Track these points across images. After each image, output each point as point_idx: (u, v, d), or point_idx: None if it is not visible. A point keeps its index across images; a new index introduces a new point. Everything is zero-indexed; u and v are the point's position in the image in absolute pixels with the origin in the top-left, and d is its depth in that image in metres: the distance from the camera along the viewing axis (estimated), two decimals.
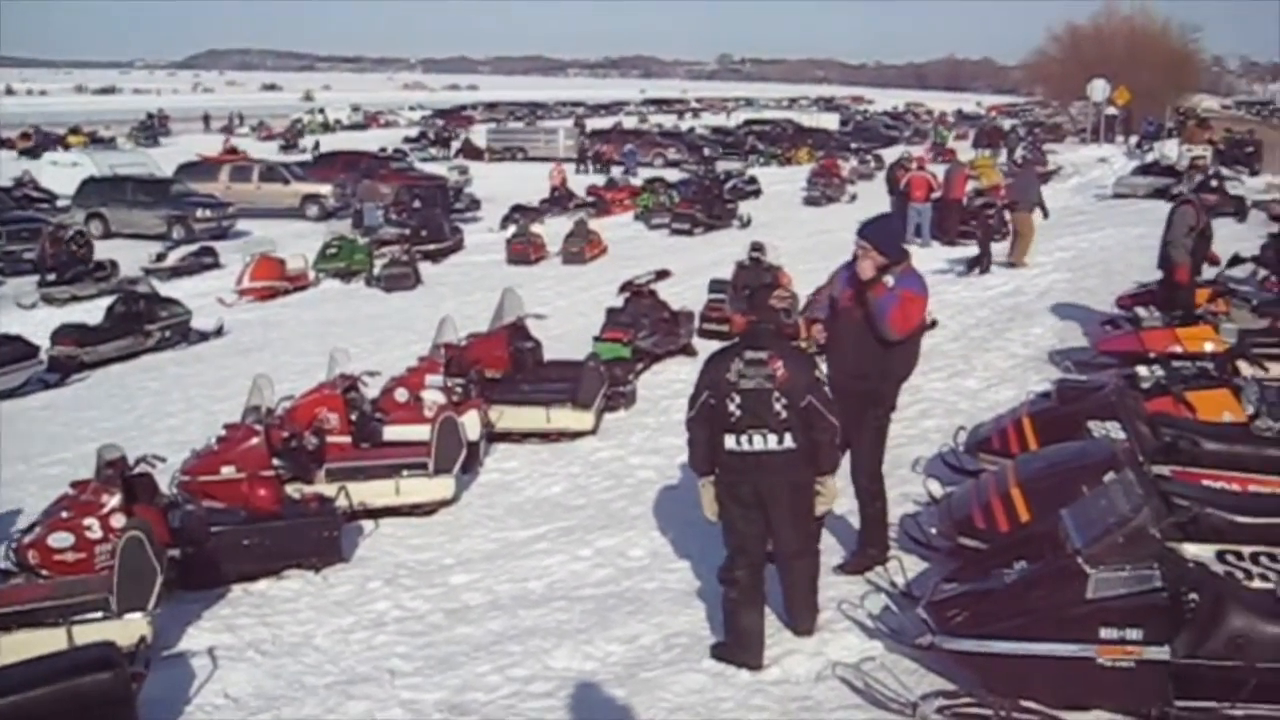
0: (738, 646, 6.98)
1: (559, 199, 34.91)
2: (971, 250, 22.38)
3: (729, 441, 6.68)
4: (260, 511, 9.33)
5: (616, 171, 45.09)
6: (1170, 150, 37.28)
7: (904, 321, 7.64)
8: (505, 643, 7.67)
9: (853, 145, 57.06)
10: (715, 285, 16.74)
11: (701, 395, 6.76)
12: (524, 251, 26.01)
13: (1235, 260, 14.63)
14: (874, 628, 7.15)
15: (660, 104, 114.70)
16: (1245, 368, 10.37)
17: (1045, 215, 22.11)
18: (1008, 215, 22.88)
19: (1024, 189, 21.63)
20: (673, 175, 39.43)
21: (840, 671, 6.72)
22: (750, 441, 6.63)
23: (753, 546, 6.88)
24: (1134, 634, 5.88)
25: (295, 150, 54.80)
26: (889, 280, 7.55)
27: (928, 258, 22.87)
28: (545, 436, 12.35)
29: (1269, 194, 23.34)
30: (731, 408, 6.63)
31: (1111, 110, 54.13)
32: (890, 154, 39.73)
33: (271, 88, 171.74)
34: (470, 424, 11.33)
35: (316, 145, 54.63)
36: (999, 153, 44.87)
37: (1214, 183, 15.02)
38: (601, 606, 8.16)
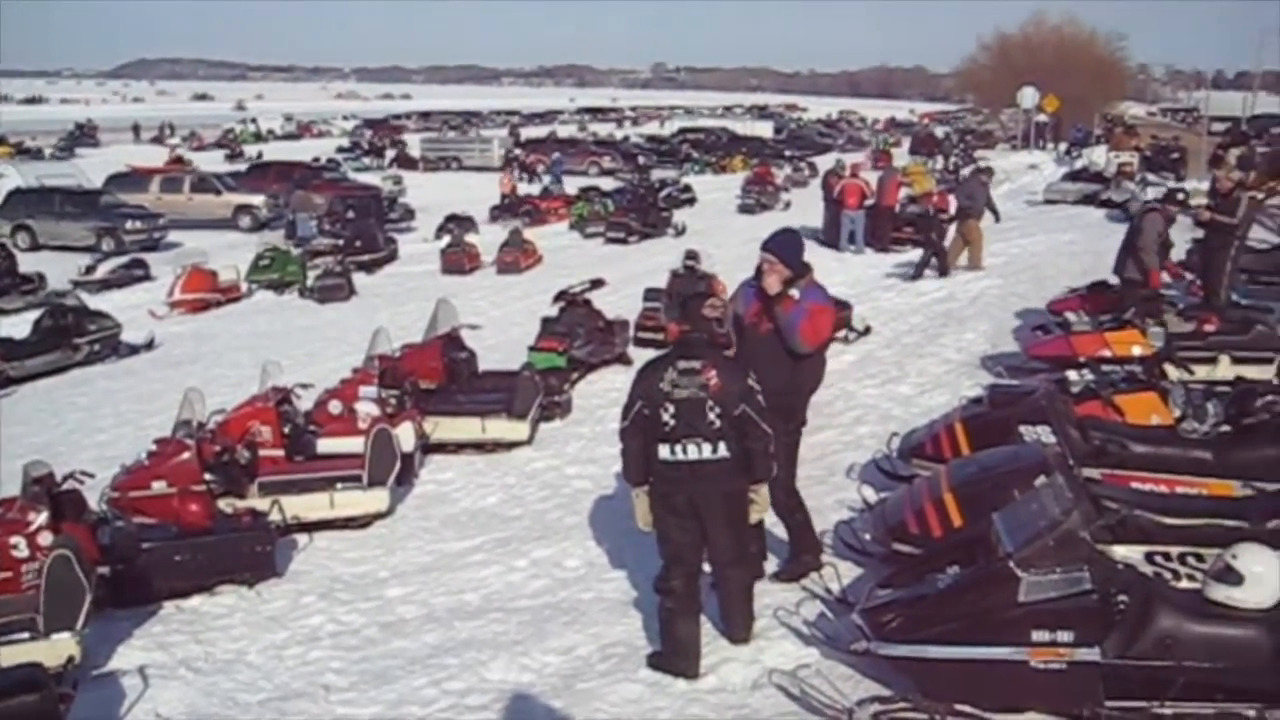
0: (674, 656, 6.98)
1: (509, 205, 34.87)
2: (906, 256, 22.59)
3: (663, 451, 6.68)
4: (192, 527, 9.21)
5: (548, 180, 45.14)
6: (1098, 157, 37.80)
7: (814, 334, 7.73)
8: (441, 656, 7.62)
9: (787, 153, 57.34)
10: (650, 294, 16.74)
11: (635, 405, 6.76)
12: (459, 261, 25.89)
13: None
14: (810, 634, 7.17)
15: (595, 112, 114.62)
16: (1172, 371, 10.54)
17: (997, 219, 22.39)
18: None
19: (972, 196, 21.82)
20: (608, 184, 39.43)
21: (776, 679, 6.74)
22: (685, 451, 6.64)
23: (688, 556, 6.88)
24: (1065, 636, 5.95)
25: (241, 160, 54.08)
26: (794, 293, 7.61)
27: (862, 264, 23.12)
28: (481, 447, 12.28)
29: (1195, 199, 23.64)
30: (665, 417, 6.63)
31: (1042, 117, 54.76)
32: (825, 161, 40.01)
33: (203, 97, 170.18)
34: (405, 435, 11.26)
35: (259, 155, 54.08)
36: (935, 159, 45.26)
37: (1180, 195, 15.15)
38: (538, 617, 8.13)
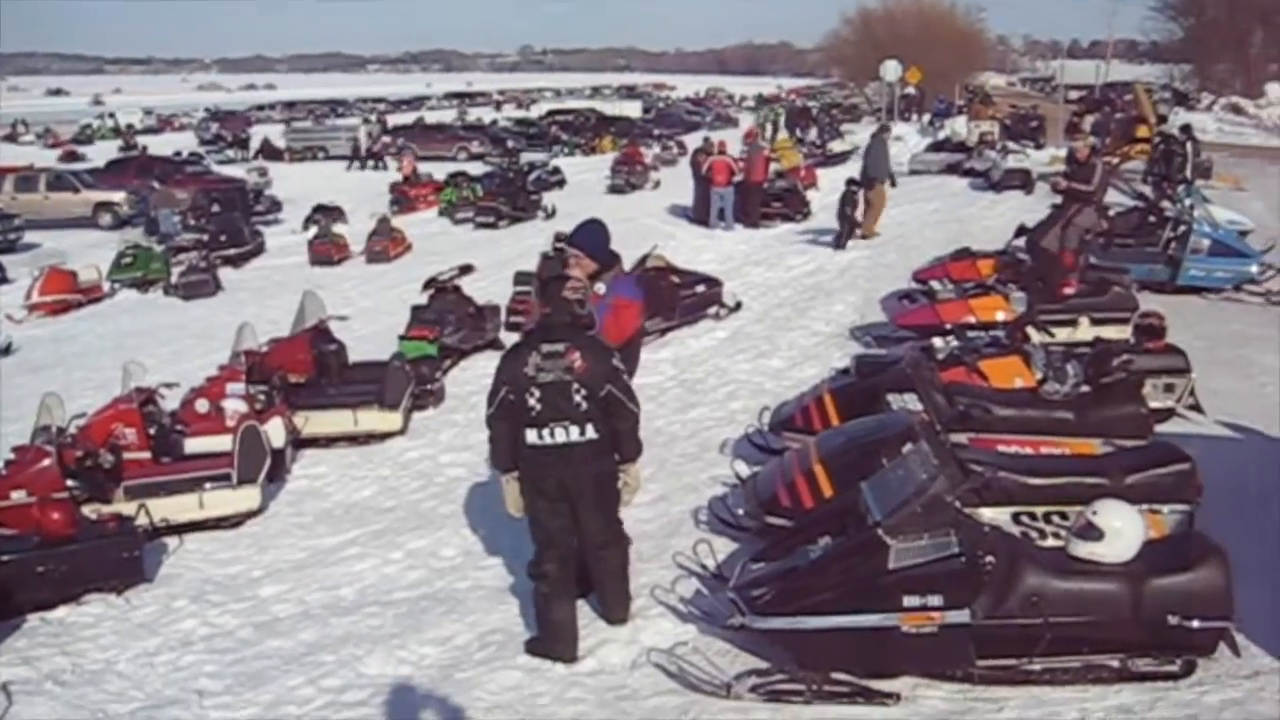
0: (552, 640, 6.97)
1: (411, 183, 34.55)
2: (776, 230, 22.82)
3: (530, 436, 6.65)
4: (55, 536, 8.91)
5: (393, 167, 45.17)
6: (960, 127, 38.39)
7: (618, 330, 7.77)
8: (318, 653, 7.50)
9: (656, 132, 57.24)
10: (520, 278, 16.64)
11: (500, 391, 6.71)
12: (327, 252, 25.51)
13: (1021, 231, 15.11)
14: (686, 612, 7.22)
15: (462, 97, 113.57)
16: (1034, 335, 10.75)
17: (893, 184, 22.68)
18: (810, 194, 23.37)
19: (877, 162, 22.03)
20: (476, 168, 39.15)
21: (655, 658, 6.77)
22: (552, 434, 6.62)
23: (560, 539, 6.86)
24: (935, 600, 6.07)
25: (134, 152, 52.23)
26: (600, 288, 7.59)
27: (732, 240, 23.24)
28: (353, 439, 12.12)
29: (1053, 166, 24.16)
30: (531, 402, 6.59)
31: (907, 90, 55.48)
32: (694, 140, 40.11)
33: (57, 92, 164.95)
34: (274, 431, 11.07)
35: (144, 149, 52.43)
36: (808, 133, 45.57)
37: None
38: (415, 609, 8.05)
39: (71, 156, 54.15)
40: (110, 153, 50.63)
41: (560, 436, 6.63)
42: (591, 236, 7.87)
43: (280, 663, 7.46)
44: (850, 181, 21.64)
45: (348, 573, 8.88)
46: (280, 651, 7.65)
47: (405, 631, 7.66)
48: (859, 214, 21.11)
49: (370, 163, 48.89)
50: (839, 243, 20.60)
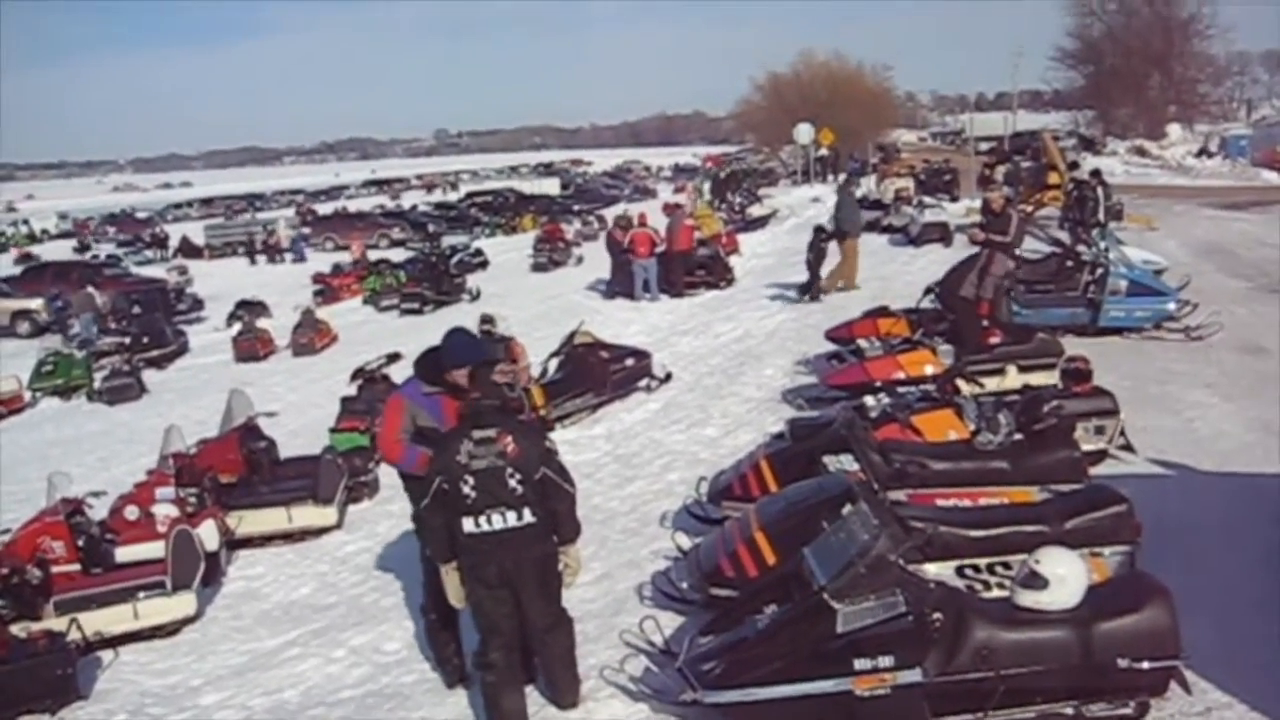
0: None
1: (365, 264, 34.52)
2: (701, 298, 22.92)
3: (467, 524, 6.54)
4: None
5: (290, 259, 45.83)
6: (875, 185, 38.90)
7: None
8: None
9: (575, 208, 57.61)
10: None
11: (434, 482, 6.59)
12: (251, 348, 25.27)
13: (929, 291, 15.23)
14: (637, 691, 7.11)
15: (381, 184, 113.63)
16: (964, 386, 10.82)
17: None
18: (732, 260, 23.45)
19: (849, 215, 22.22)
20: (398, 255, 39.09)
21: None
22: (489, 521, 6.52)
23: (504, 626, 6.75)
24: (886, 661, 6.05)
25: (31, 262, 51.41)
26: None
27: (658, 311, 23.30)
28: (289, 537, 11.93)
29: (968, 218, 24.53)
30: (466, 490, 6.50)
31: (823, 151, 56.17)
32: (614, 214, 40.36)
33: None
34: (208, 534, 10.87)
35: (88, 247, 51.53)
36: (734, 197, 45.97)
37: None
38: (361, 707, 7.88)
39: None
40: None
41: (498, 523, 6.53)
42: (469, 350, 7.50)
43: None
44: (818, 230, 21.80)
45: (290, 674, 8.68)
46: None
47: None
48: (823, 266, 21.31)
49: (276, 257, 48.69)
50: (810, 293, 20.74)
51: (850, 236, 21.91)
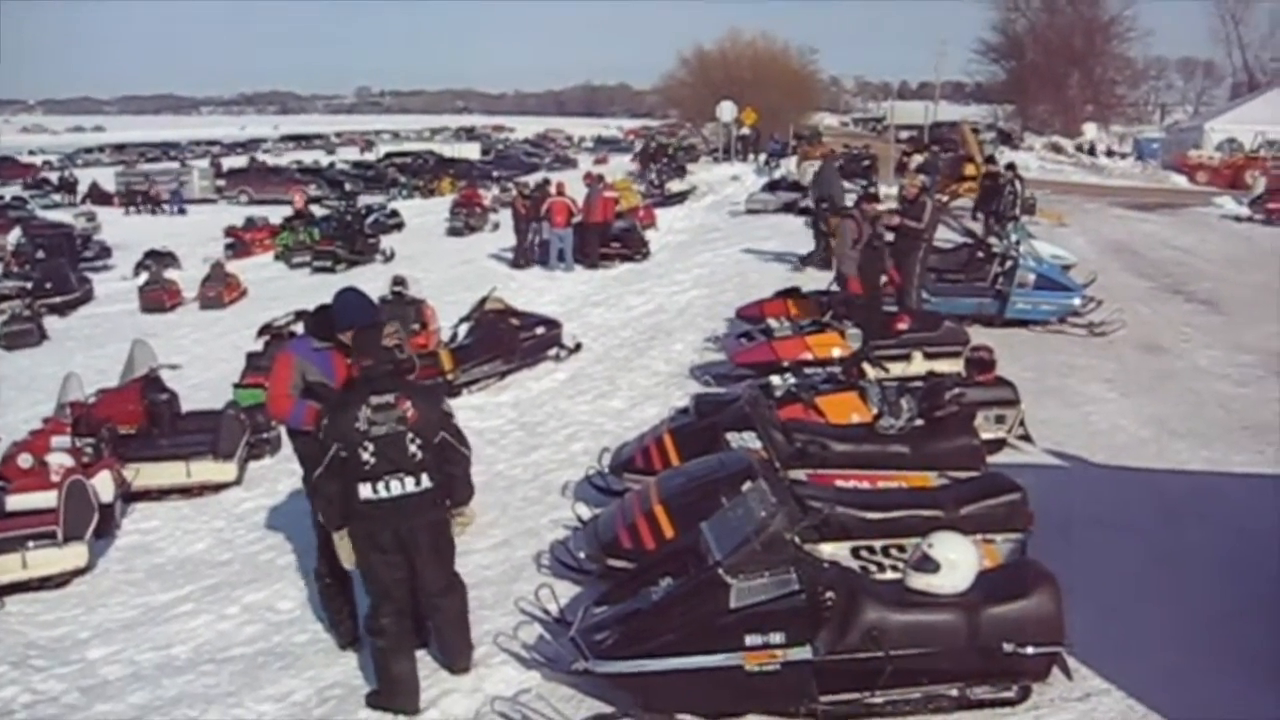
0: (393, 694, 6.80)
1: (302, 217, 33.75)
2: (616, 270, 22.93)
3: (364, 491, 6.47)
4: None
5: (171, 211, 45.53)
6: (794, 166, 39.05)
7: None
8: (149, 716, 7.20)
9: (495, 174, 57.32)
10: None
11: (330, 449, 6.49)
12: (158, 299, 24.87)
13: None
14: (530, 658, 7.12)
15: (299, 140, 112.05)
16: (869, 370, 10.92)
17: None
18: (649, 234, 23.38)
19: (838, 191, 22.21)
20: (314, 212, 38.65)
21: (499, 706, 6.66)
22: (387, 488, 6.46)
23: (397, 592, 6.71)
24: (777, 638, 6.09)
25: None
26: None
27: (572, 281, 23.26)
28: (186, 491, 11.74)
29: (885, 204, 24.72)
30: (365, 456, 6.41)
31: (744, 130, 56.26)
32: (533, 181, 40.18)
33: None
34: (103, 485, 10.66)
35: None
36: (662, 170, 46.00)
37: (871, 190, 15.47)
38: (251, 665, 7.80)
39: None
40: None
41: (396, 489, 6.48)
42: (360, 310, 7.27)
43: None
44: (819, 202, 21.76)
45: (181, 630, 8.55)
46: (109, 716, 7.33)
47: (241, 689, 7.41)
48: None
49: (155, 209, 47.95)
50: (811, 261, 20.88)
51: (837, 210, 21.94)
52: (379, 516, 6.53)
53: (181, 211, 45.29)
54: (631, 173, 45.56)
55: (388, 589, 6.69)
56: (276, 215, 35.69)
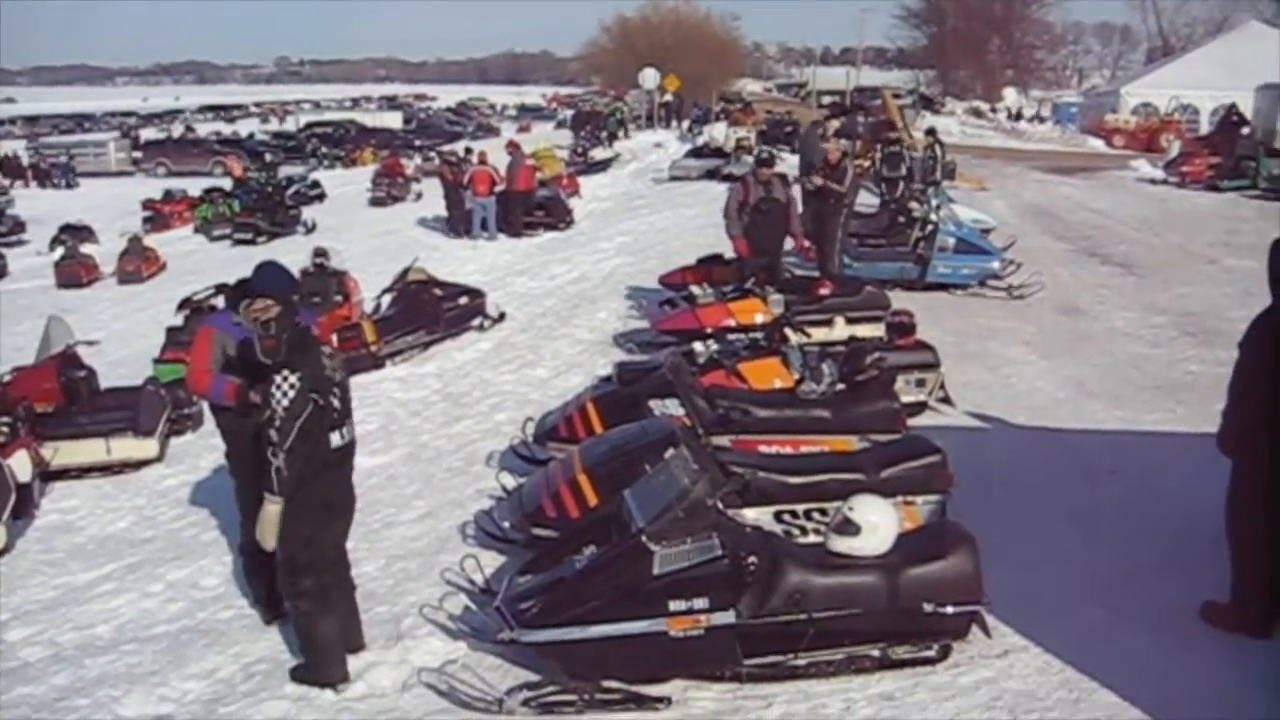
0: (319, 662, 6.76)
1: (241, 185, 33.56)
2: (539, 239, 22.91)
3: (335, 438, 6.42)
4: None
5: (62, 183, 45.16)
6: (718, 133, 39.07)
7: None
8: (71, 697, 7.12)
9: (417, 143, 56.92)
10: None
11: (310, 400, 6.28)
12: (74, 274, 24.54)
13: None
14: (456, 629, 7.12)
15: (218, 110, 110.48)
16: (791, 335, 10.99)
17: None
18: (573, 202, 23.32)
19: (814, 154, 22.16)
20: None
21: (425, 678, 6.65)
22: (344, 434, 6.47)
23: (330, 554, 6.67)
24: (701, 603, 6.14)
25: None
26: None
27: (495, 250, 23.21)
28: (107, 469, 11.59)
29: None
30: (335, 402, 6.39)
31: (668, 97, 56.23)
32: (457, 150, 39.92)
33: None
34: (19, 465, 10.49)
35: None
36: (598, 136, 45.85)
37: (764, 155, 15.38)
38: (175, 643, 7.72)
39: None
40: None
41: (348, 436, 6.52)
42: (277, 280, 7.06)
43: (30, 711, 7.05)
44: (809, 166, 21.68)
45: (103, 609, 8.45)
46: (29, 699, 7.22)
47: (166, 668, 7.34)
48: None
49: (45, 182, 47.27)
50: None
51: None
52: (339, 465, 6.53)
53: (70, 185, 44.33)
54: (568, 144, 45.28)
55: (323, 552, 6.62)
56: (196, 188, 35.21)
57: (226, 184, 36.40)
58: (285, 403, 6.19)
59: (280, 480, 6.30)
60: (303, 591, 6.64)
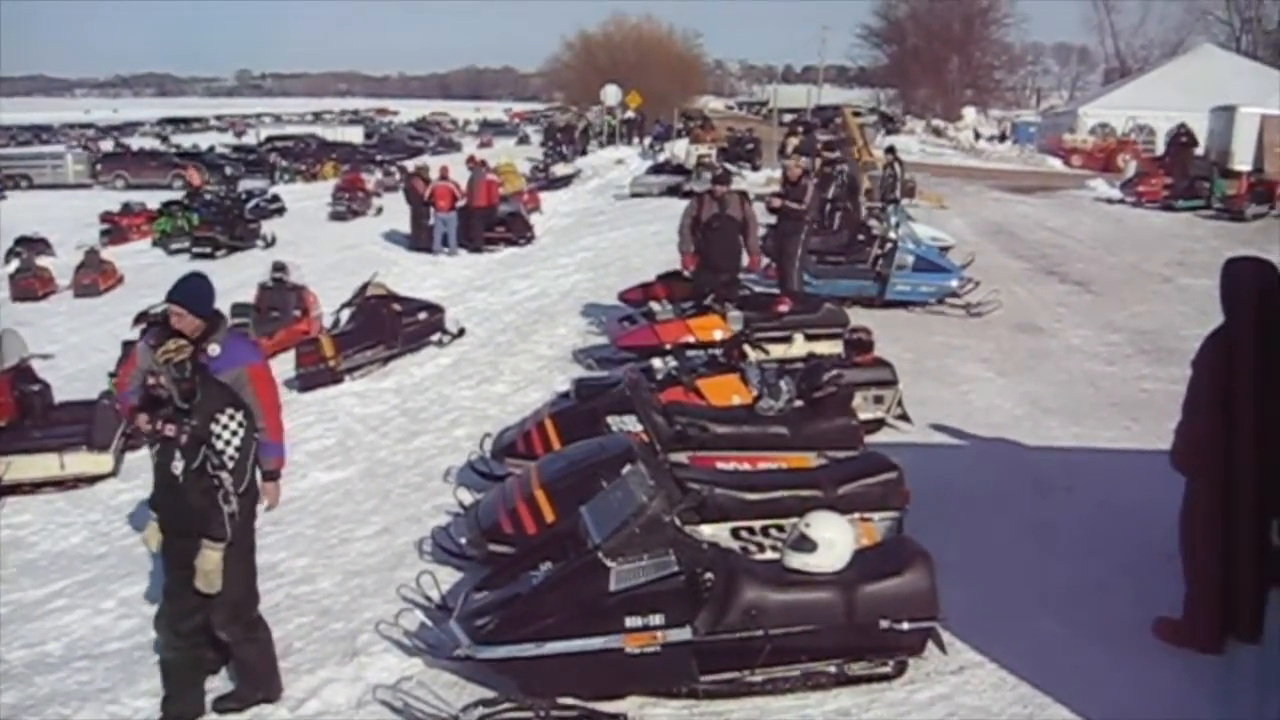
0: (265, 680, 6.67)
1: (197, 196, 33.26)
2: (500, 254, 22.88)
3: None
4: None
5: None
6: (680, 150, 39.22)
7: (274, 402, 7.28)
8: (20, 715, 7.01)
9: (378, 158, 56.79)
10: (238, 309, 16.15)
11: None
12: (30, 287, 24.31)
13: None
14: (412, 645, 7.06)
15: (178, 123, 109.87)
16: (750, 352, 11.01)
17: None
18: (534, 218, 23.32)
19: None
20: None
21: (380, 694, 6.60)
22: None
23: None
24: (657, 619, 6.13)
25: None
26: (214, 349, 6.89)
27: (456, 266, 23.17)
28: (60, 484, 11.48)
29: (769, 187, 24.89)
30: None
31: (629, 114, 56.36)
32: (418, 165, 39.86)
33: None
34: None
35: None
36: (573, 149, 45.98)
37: (720, 173, 15.44)
38: (128, 660, 7.64)
39: None
40: None
41: None
42: (192, 291, 7.02)
43: None
44: None
45: (54, 626, 8.35)
46: None
47: (118, 685, 7.25)
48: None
49: None
50: None
51: None
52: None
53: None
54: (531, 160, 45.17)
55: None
56: (154, 200, 34.95)
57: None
58: (236, 442, 6.08)
59: (233, 526, 6.12)
60: (249, 623, 6.58)
